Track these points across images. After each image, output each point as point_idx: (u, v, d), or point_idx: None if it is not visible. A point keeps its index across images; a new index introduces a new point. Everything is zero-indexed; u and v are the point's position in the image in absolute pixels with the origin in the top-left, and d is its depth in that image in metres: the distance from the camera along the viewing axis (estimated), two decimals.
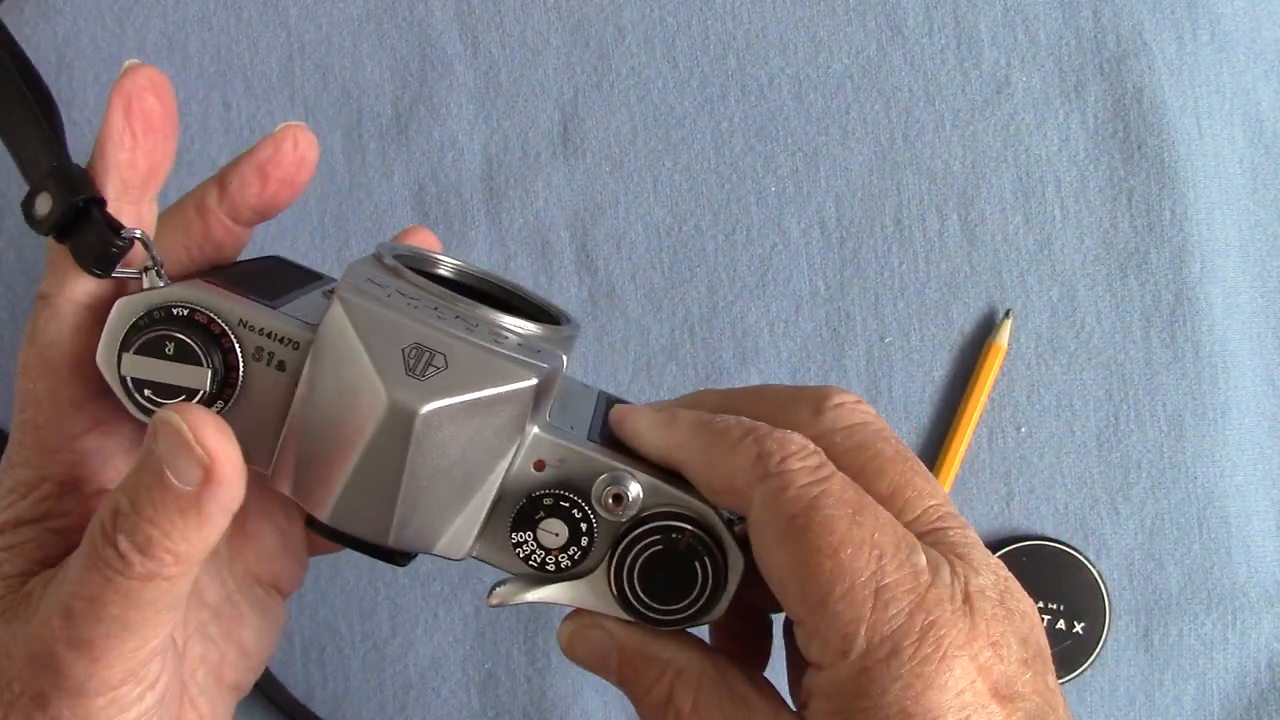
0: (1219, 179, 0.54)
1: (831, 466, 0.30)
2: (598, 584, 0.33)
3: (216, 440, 0.29)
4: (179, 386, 0.31)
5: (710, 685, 0.32)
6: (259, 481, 0.32)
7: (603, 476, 0.32)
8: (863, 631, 0.28)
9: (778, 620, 0.37)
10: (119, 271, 0.31)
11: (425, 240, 0.41)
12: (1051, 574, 0.52)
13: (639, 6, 0.54)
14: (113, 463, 0.33)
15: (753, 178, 0.53)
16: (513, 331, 0.32)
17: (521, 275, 0.53)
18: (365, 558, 0.34)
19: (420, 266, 0.36)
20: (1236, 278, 0.54)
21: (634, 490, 0.32)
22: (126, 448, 0.34)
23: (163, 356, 0.31)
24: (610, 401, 0.38)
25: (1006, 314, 0.53)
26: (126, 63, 0.32)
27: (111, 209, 0.32)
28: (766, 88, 0.54)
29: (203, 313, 0.31)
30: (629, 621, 0.33)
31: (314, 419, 0.31)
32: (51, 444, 0.32)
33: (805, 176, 0.54)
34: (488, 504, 0.32)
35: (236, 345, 0.31)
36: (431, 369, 0.30)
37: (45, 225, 0.31)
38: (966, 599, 0.28)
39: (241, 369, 0.31)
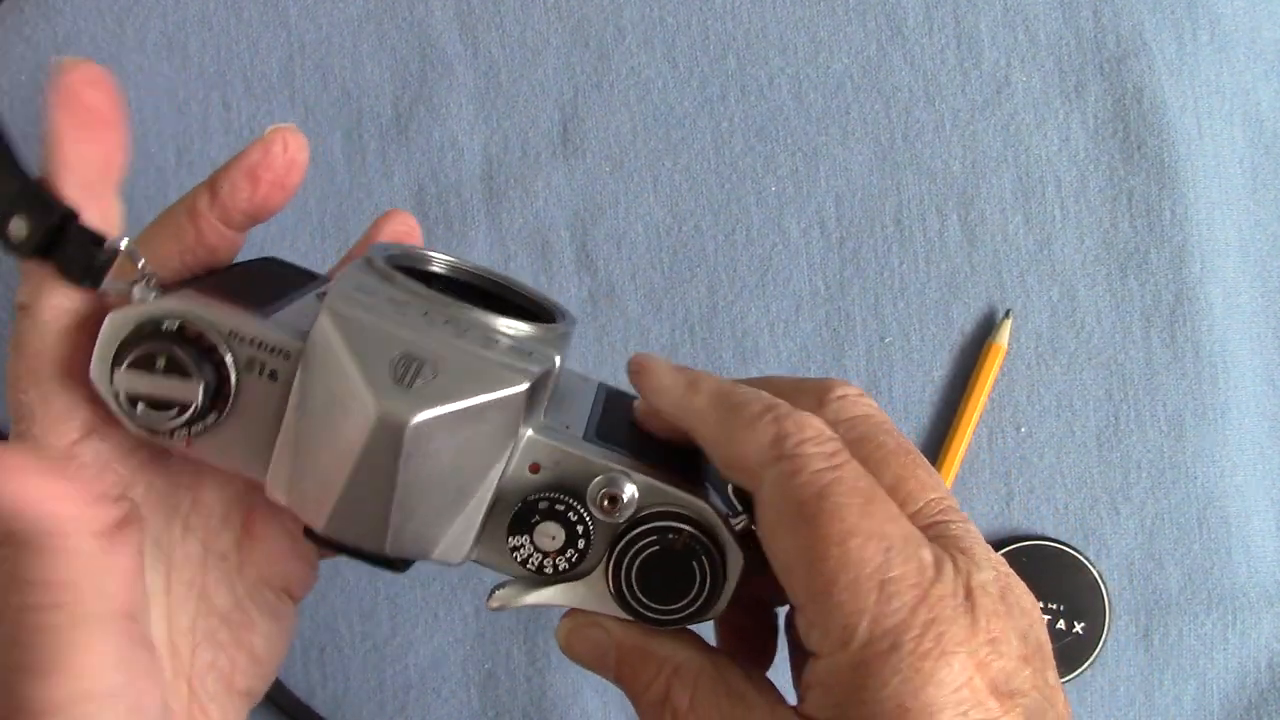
0: (1219, 179, 0.54)
1: (847, 454, 0.30)
2: (596, 584, 0.33)
3: (6, 478, 0.30)
4: (172, 400, 0.31)
5: (708, 682, 0.32)
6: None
7: (597, 479, 0.32)
8: (865, 623, 0.28)
9: (784, 615, 0.38)
10: (109, 284, 0.31)
11: (403, 225, 0.40)
12: (1051, 574, 0.52)
13: (639, 6, 0.54)
14: (111, 467, 0.33)
15: (753, 178, 0.53)
16: (504, 333, 0.32)
17: (521, 275, 0.53)
18: None
19: (413, 266, 0.36)
20: (1236, 278, 0.54)
21: (629, 491, 0.32)
22: (123, 453, 0.34)
23: (154, 371, 0.31)
24: (609, 394, 0.38)
25: (1006, 314, 0.53)
26: (61, 60, 0.32)
27: (74, 205, 0.31)
28: (766, 88, 0.54)
29: (193, 326, 0.31)
30: (627, 620, 0.33)
31: (306, 430, 0.31)
32: (48, 454, 0.32)
33: (805, 176, 0.54)
34: (483, 509, 0.32)
35: (228, 357, 0.31)
36: (420, 378, 0.30)
37: (26, 248, 0.31)
38: (968, 595, 0.28)
39: (234, 381, 0.31)
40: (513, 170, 0.53)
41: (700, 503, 0.32)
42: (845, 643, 0.28)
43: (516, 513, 0.32)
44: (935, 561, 0.29)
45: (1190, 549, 0.53)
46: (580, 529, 0.32)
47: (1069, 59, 0.54)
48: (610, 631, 0.33)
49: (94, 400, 0.32)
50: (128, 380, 0.31)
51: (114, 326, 0.31)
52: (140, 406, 0.31)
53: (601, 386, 0.39)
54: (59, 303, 0.32)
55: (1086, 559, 0.52)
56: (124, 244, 0.31)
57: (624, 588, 0.32)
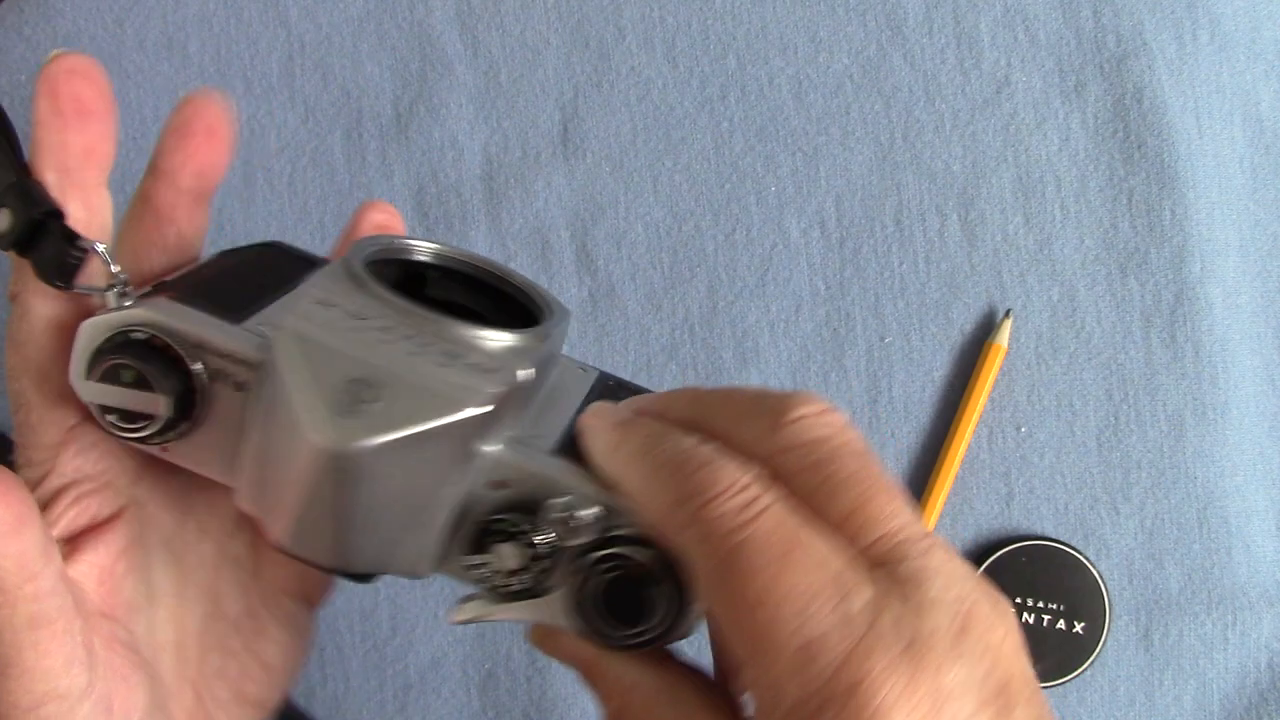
0: (1219, 179, 0.54)
1: (765, 501, 0.27)
2: (557, 603, 0.31)
3: None
4: (138, 413, 0.31)
5: (663, 707, 0.31)
6: None
7: (556, 500, 0.31)
8: (788, 689, 0.26)
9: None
10: (81, 287, 0.31)
11: (382, 214, 0.40)
12: (1051, 574, 0.52)
13: (639, 6, 0.54)
14: (112, 458, 0.33)
15: (753, 178, 0.53)
16: (474, 344, 0.31)
17: None
18: None
19: (397, 256, 0.35)
20: (1236, 278, 0.54)
21: (588, 514, 0.30)
22: (121, 446, 0.34)
23: (121, 384, 0.31)
24: (604, 389, 0.37)
25: (1006, 314, 0.53)
26: (52, 52, 0.32)
27: (56, 196, 0.31)
28: (766, 88, 0.54)
29: (160, 337, 0.31)
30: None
31: (266, 444, 0.30)
32: (46, 440, 0.32)
33: (805, 176, 0.54)
34: (440, 526, 0.31)
35: (195, 367, 0.31)
36: (367, 403, 0.29)
37: (5, 241, 0.31)
38: (910, 645, 0.25)
39: (203, 391, 0.31)
40: (513, 170, 0.53)
41: None
42: (771, 711, 0.26)
43: (475, 532, 0.31)
44: (872, 607, 0.26)
45: (1190, 549, 0.53)
46: (539, 550, 0.31)
47: (1069, 59, 0.54)
48: (570, 646, 0.32)
49: None
50: (97, 393, 0.31)
51: (86, 336, 0.31)
52: (110, 417, 0.31)
53: (600, 379, 0.38)
54: (40, 300, 0.32)
55: (1086, 559, 0.52)
56: (100, 247, 0.31)
57: (584, 610, 0.31)
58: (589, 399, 0.36)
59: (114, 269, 0.31)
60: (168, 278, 0.33)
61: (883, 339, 0.53)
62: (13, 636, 0.30)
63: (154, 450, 0.32)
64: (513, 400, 0.31)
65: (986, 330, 0.53)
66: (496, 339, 0.32)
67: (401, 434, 0.29)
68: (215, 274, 0.34)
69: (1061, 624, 0.52)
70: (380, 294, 0.32)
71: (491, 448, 0.31)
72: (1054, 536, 0.53)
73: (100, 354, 0.31)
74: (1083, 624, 0.52)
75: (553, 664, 0.52)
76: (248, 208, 0.52)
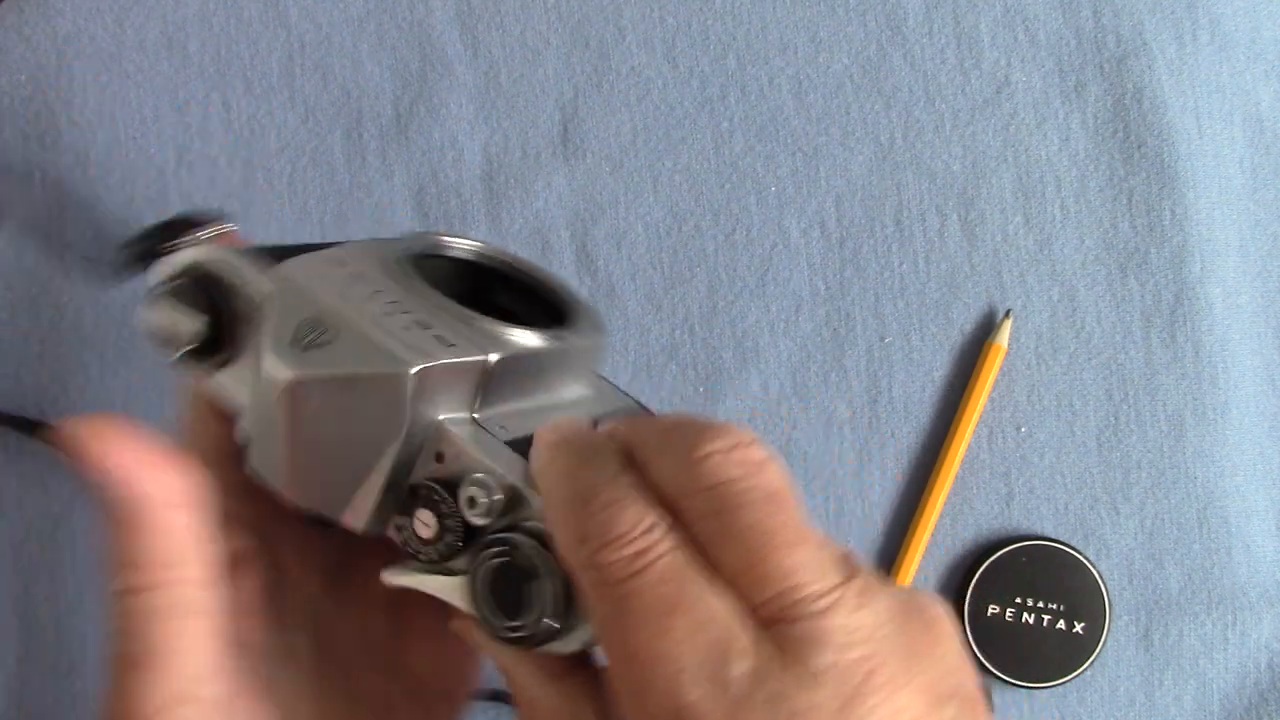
0: (1219, 179, 0.54)
1: (657, 551, 0.26)
2: (464, 587, 0.31)
3: (108, 449, 0.30)
4: (177, 333, 0.33)
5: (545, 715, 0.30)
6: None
7: (470, 476, 0.31)
8: None
9: None
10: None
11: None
12: (1051, 574, 0.52)
13: (639, 6, 0.54)
14: (244, 495, 0.34)
15: (753, 178, 0.53)
16: (460, 325, 0.32)
17: None
18: None
19: (446, 253, 0.37)
20: (1236, 278, 0.54)
21: (492, 497, 0.30)
22: (257, 502, 0.34)
23: (166, 307, 0.34)
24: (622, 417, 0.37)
25: (1006, 314, 0.53)
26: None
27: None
28: (766, 88, 0.54)
29: (204, 269, 0.34)
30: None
31: (254, 372, 0.33)
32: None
33: (805, 176, 0.54)
34: (380, 483, 0.32)
35: (232, 302, 0.33)
36: (316, 343, 0.31)
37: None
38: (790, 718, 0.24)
39: (229, 325, 0.33)
40: (513, 170, 0.53)
41: None
42: None
43: (404, 496, 0.32)
44: (750, 678, 0.24)
45: (1190, 549, 0.53)
46: (450, 523, 0.31)
47: (1069, 59, 0.54)
48: (479, 637, 0.31)
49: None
50: (151, 315, 0.34)
51: (156, 271, 0.34)
52: (155, 338, 0.34)
53: (632, 409, 0.37)
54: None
55: (1086, 559, 0.52)
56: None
57: (474, 594, 0.31)
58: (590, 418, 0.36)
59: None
60: (259, 246, 0.35)
61: (883, 339, 0.53)
62: (154, 626, 0.30)
63: (197, 379, 0.34)
64: (476, 379, 0.32)
65: (986, 330, 0.53)
66: (492, 326, 0.33)
67: (334, 373, 0.31)
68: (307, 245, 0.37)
69: (1061, 624, 0.52)
70: (393, 269, 0.33)
71: (444, 417, 0.31)
72: (1054, 536, 0.53)
73: (157, 285, 0.34)
74: (1083, 624, 0.52)
75: None
76: (248, 208, 0.52)
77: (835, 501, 0.53)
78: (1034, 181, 0.54)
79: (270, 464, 0.32)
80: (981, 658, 0.52)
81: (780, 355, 0.53)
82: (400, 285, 0.33)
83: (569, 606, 0.29)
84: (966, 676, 0.27)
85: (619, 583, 0.26)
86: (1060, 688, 0.52)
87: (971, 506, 0.53)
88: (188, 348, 0.33)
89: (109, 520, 0.30)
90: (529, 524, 0.30)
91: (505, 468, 0.31)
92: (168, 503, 0.30)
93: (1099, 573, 0.52)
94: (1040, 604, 0.52)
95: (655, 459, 0.27)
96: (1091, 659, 0.52)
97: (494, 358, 0.32)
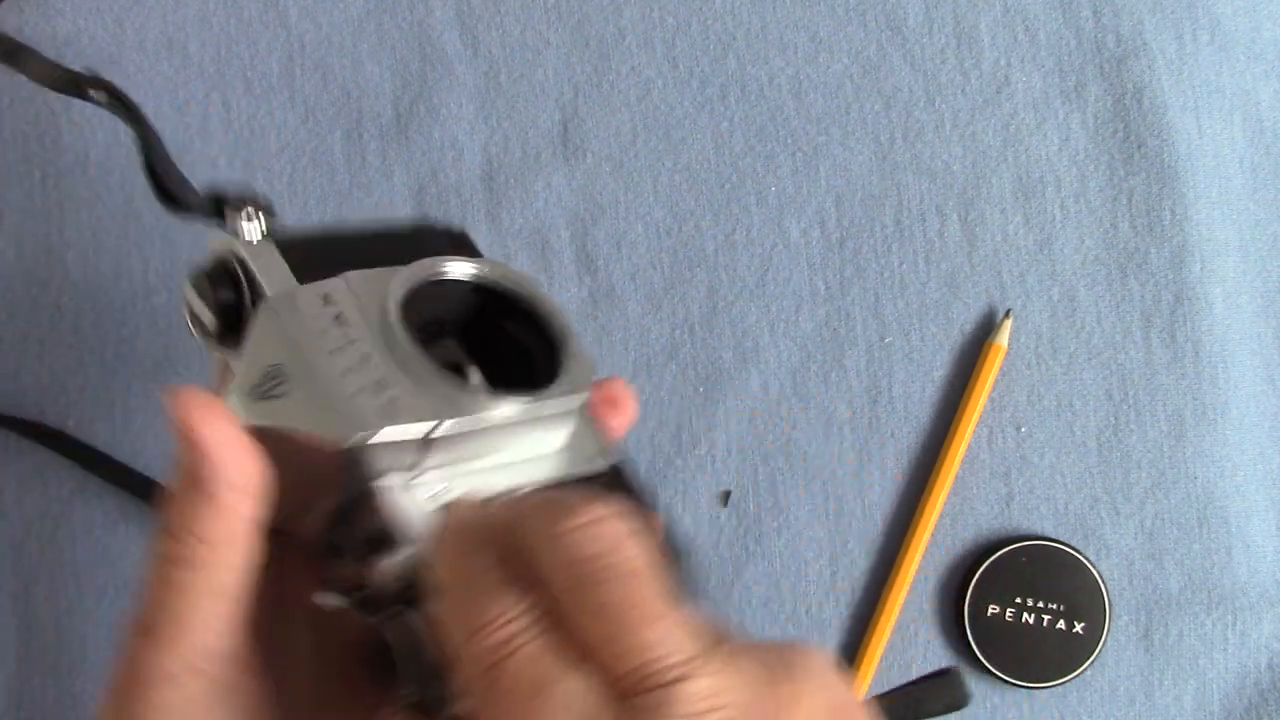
0: (1219, 179, 0.54)
1: (523, 638, 0.27)
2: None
3: (204, 421, 0.31)
4: (198, 315, 0.35)
5: None
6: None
7: (386, 542, 0.31)
8: None
9: None
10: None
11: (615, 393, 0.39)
12: (1051, 574, 0.52)
13: (639, 6, 0.54)
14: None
15: (753, 178, 0.53)
16: (423, 384, 0.32)
17: None
18: None
19: (435, 279, 0.36)
20: (1236, 278, 0.54)
21: (395, 566, 0.31)
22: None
23: (199, 291, 0.35)
24: (581, 484, 0.36)
25: (1006, 314, 0.53)
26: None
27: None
28: (766, 88, 0.54)
29: (230, 262, 0.35)
30: None
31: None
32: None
33: (805, 176, 0.54)
34: (319, 524, 0.33)
35: (246, 297, 0.34)
36: (274, 392, 0.32)
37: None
38: None
39: (247, 315, 0.35)
40: (513, 170, 0.53)
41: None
42: None
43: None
44: None
45: (1190, 549, 0.53)
46: (364, 583, 0.32)
47: (1069, 59, 0.54)
48: None
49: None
50: (188, 292, 0.35)
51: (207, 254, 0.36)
52: (189, 316, 0.35)
53: (608, 473, 0.36)
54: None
55: (1086, 559, 0.52)
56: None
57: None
58: (549, 488, 0.35)
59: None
60: (302, 232, 0.37)
61: (883, 339, 0.53)
62: (183, 599, 0.31)
63: (223, 354, 0.35)
64: (421, 446, 0.32)
65: (986, 330, 0.53)
66: (453, 391, 0.33)
67: (279, 428, 0.32)
68: (351, 235, 0.38)
69: (1061, 624, 0.52)
70: (380, 312, 0.34)
71: (381, 480, 0.32)
72: (1054, 536, 0.53)
73: (194, 265, 0.36)
74: (1083, 624, 0.52)
75: None
76: None
77: (835, 501, 0.53)
78: (1034, 181, 0.54)
79: None
80: (982, 658, 0.52)
81: (780, 355, 0.53)
82: (378, 334, 0.33)
83: (446, 679, 0.30)
84: None
85: (487, 669, 0.27)
86: (1060, 688, 0.52)
87: (971, 506, 0.53)
88: (205, 334, 0.35)
89: (180, 487, 0.31)
90: (412, 594, 0.31)
91: (418, 538, 0.31)
92: (239, 487, 0.31)
93: (1099, 573, 0.52)
94: (1040, 604, 0.52)
95: (527, 539, 0.28)
96: (1091, 659, 0.52)
97: (444, 426, 0.32)
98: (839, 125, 0.54)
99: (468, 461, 0.33)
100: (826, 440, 0.53)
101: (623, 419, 0.38)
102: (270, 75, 0.53)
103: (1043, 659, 0.52)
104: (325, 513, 0.32)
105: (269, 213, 0.36)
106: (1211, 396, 0.53)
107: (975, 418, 0.52)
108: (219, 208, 0.36)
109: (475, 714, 0.27)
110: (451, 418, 0.32)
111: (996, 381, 0.53)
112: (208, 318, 0.35)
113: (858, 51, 0.54)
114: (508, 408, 0.33)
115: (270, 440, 0.32)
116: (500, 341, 0.37)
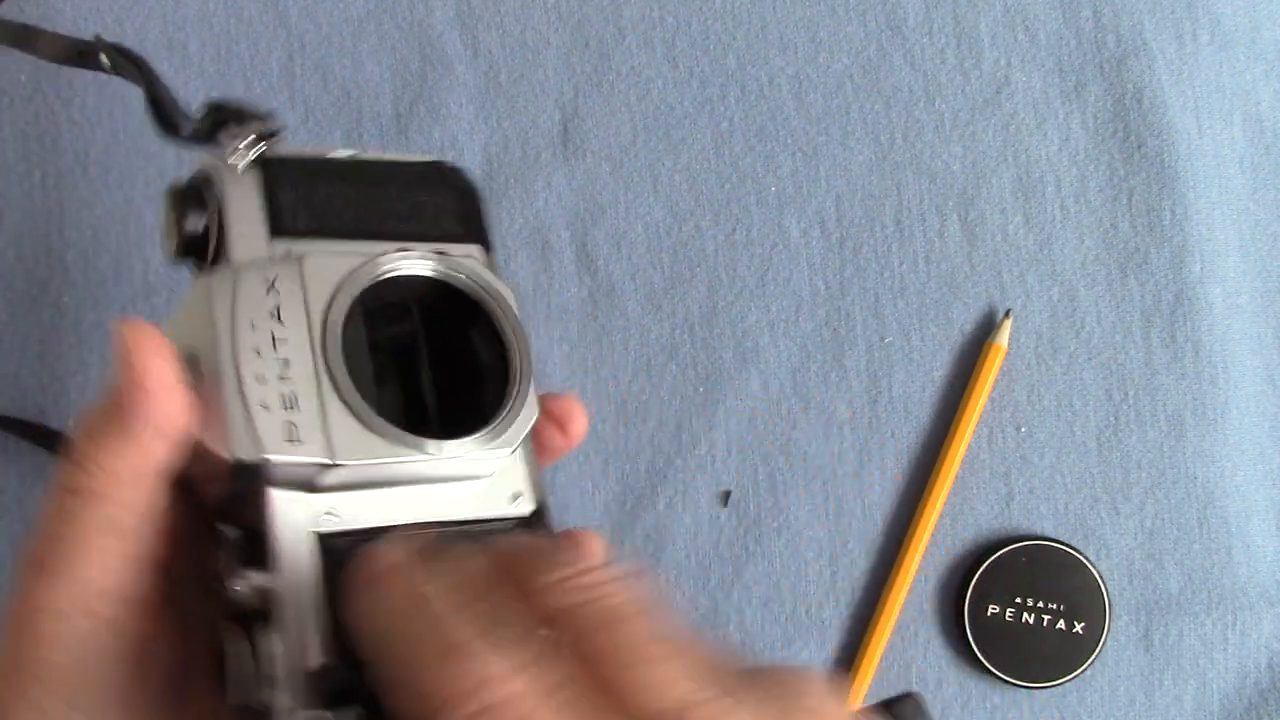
0: (1219, 179, 0.54)
1: (528, 704, 0.24)
2: None
3: (147, 357, 0.30)
4: (175, 235, 0.33)
5: None
6: None
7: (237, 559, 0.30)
8: None
9: None
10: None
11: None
12: (1051, 574, 0.52)
13: (639, 6, 0.54)
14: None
15: (753, 178, 0.53)
16: (330, 414, 0.30)
17: (521, 275, 0.53)
18: None
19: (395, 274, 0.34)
20: (1236, 278, 0.54)
21: (249, 584, 0.30)
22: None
23: (172, 208, 0.33)
24: (486, 530, 0.33)
25: (1006, 314, 0.53)
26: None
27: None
28: (766, 88, 0.54)
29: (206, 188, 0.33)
30: None
31: None
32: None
33: (805, 176, 0.54)
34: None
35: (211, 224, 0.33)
36: (186, 379, 0.31)
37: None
38: None
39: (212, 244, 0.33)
40: (513, 170, 0.53)
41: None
42: None
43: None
44: None
45: (1190, 549, 0.53)
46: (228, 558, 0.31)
47: (1069, 59, 0.54)
48: None
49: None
50: (163, 201, 0.34)
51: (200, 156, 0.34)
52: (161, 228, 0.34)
53: (521, 523, 0.34)
54: None
55: (1086, 559, 0.52)
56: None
57: None
58: (461, 528, 0.33)
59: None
60: (306, 152, 0.35)
61: (883, 339, 0.53)
62: (81, 531, 0.30)
63: (195, 273, 0.34)
64: (312, 473, 0.30)
65: (986, 330, 0.53)
66: (357, 431, 0.31)
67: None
68: (354, 169, 0.35)
69: (1061, 624, 0.52)
70: (320, 308, 0.32)
71: (270, 484, 0.30)
72: (1054, 536, 0.53)
73: (173, 181, 0.34)
74: (1083, 624, 0.52)
75: None
76: None
77: (835, 501, 0.53)
78: (1034, 181, 0.54)
79: None
80: (981, 658, 0.52)
81: (780, 355, 0.53)
82: (314, 340, 0.31)
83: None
84: None
85: None
86: (1060, 688, 0.52)
87: (971, 506, 0.53)
88: (166, 251, 0.33)
89: (98, 418, 0.30)
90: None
91: (289, 564, 0.30)
92: (160, 430, 0.30)
93: (1099, 573, 0.52)
94: (1040, 604, 0.52)
95: (530, 579, 0.26)
96: (1091, 659, 0.52)
97: (334, 469, 0.30)
98: (839, 125, 0.54)
99: (374, 488, 0.31)
100: (826, 440, 0.53)
101: (568, 439, 0.37)
102: (270, 75, 0.53)
103: (1043, 659, 0.52)
104: (216, 496, 0.31)
105: (267, 134, 0.34)
106: (1211, 396, 0.53)
107: (975, 418, 0.52)
108: (216, 125, 0.34)
109: None
110: (355, 459, 0.30)
111: (996, 381, 0.53)
112: (171, 238, 0.33)
113: (858, 51, 0.54)
114: (424, 456, 0.31)
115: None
116: (456, 345, 0.34)
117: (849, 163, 0.54)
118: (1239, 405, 0.53)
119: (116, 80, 0.40)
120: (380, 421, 0.31)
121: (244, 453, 0.30)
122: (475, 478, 0.33)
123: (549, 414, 0.36)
